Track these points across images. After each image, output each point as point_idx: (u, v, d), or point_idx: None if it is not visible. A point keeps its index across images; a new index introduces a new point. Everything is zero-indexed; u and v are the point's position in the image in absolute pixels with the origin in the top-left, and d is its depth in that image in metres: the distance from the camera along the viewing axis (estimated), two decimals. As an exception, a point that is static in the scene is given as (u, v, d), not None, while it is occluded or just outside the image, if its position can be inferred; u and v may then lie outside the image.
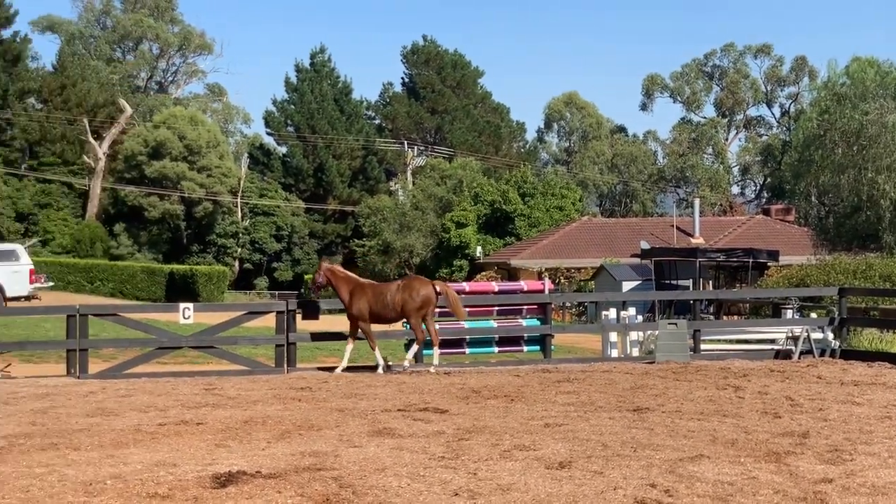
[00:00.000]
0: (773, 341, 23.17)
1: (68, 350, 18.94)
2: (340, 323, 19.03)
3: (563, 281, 58.62)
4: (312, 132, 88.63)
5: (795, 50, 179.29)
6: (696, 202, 71.95)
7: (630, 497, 8.44)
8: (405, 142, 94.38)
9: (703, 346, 21.63)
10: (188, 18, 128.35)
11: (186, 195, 79.14)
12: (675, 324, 21.11)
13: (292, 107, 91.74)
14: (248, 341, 21.84)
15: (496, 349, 21.03)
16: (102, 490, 8.69)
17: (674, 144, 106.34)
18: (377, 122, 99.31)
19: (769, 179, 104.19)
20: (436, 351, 19.05)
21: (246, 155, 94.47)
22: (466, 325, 20.46)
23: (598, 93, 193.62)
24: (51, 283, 49.97)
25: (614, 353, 23.80)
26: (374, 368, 18.87)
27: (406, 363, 18.97)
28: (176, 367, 22.25)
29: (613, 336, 24.33)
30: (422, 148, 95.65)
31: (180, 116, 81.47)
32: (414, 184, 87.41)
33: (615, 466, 9.61)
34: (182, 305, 19.68)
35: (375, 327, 19.36)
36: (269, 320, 20.51)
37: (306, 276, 74.95)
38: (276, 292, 77.37)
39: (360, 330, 18.96)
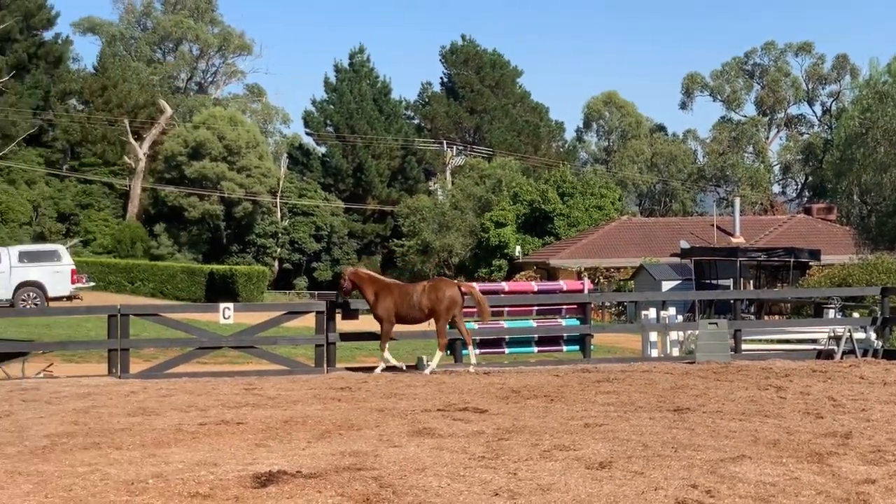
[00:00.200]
0: (814, 341, 22.96)
1: (109, 350, 18.99)
2: (377, 324, 19.08)
3: (602, 281, 58.44)
4: (351, 132, 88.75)
5: (837, 48, 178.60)
6: (737, 201, 71.32)
7: (671, 497, 8.39)
8: (444, 141, 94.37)
9: (743, 346, 21.46)
10: (228, 19, 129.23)
11: (226, 195, 79.38)
12: (716, 323, 20.97)
13: (331, 107, 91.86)
14: (287, 341, 21.94)
15: (535, 349, 20.91)
16: (144, 489, 8.73)
17: (714, 143, 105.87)
18: (416, 121, 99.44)
19: (810, 178, 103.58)
20: (471, 350, 19.06)
21: (285, 155, 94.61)
22: (506, 324, 20.45)
23: (638, 92, 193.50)
24: (92, 283, 50.50)
25: (654, 353, 23.71)
26: (414, 368, 18.95)
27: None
28: (216, 366, 22.39)
29: (653, 336, 24.27)
30: (461, 147, 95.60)
31: (220, 117, 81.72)
32: (453, 183, 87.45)
33: (656, 467, 9.55)
34: (222, 305, 19.70)
35: (414, 328, 19.37)
36: (309, 320, 20.53)
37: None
38: (316, 292, 77.31)
39: (391, 329, 18.97)
